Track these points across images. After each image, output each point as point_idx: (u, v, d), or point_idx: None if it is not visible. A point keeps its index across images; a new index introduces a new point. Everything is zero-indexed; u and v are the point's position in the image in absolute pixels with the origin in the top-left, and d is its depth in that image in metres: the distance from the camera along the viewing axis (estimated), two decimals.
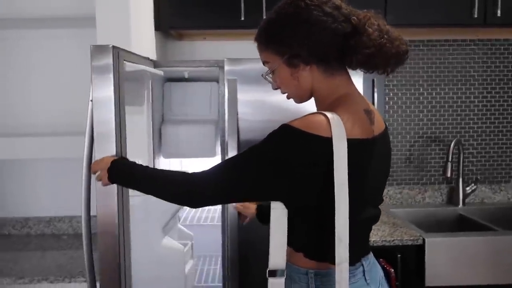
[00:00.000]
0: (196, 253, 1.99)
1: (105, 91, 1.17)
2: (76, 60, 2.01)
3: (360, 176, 0.89)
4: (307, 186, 0.88)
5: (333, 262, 0.88)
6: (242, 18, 1.89)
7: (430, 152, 2.36)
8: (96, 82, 1.16)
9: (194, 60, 2.10)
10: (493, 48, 2.33)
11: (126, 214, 1.29)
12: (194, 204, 1.05)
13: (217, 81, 1.71)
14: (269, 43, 0.95)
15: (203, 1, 1.92)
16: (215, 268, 2.18)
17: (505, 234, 1.81)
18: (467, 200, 2.30)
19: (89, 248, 1.28)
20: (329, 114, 0.87)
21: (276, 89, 1.02)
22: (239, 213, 1.35)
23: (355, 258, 0.92)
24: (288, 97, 1.02)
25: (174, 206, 1.54)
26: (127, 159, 1.17)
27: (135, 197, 1.36)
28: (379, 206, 1.03)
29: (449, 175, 2.16)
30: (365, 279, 0.96)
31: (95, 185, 1.27)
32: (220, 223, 1.79)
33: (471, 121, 2.35)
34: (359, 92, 0.99)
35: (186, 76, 1.91)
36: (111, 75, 1.15)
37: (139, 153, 1.77)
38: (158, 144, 2.03)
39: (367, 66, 0.92)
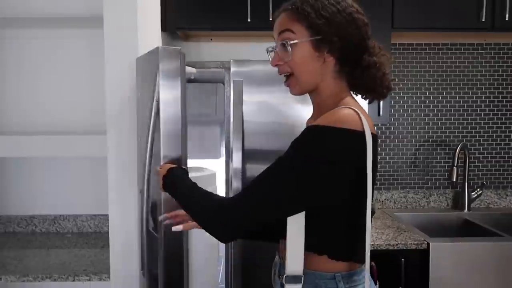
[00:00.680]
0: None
1: (172, 92, 1.18)
2: (84, 60, 2.03)
3: (375, 170, 0.92)
4: (342, 183, 0.87)
5: (358, 261, 0.90)
6: (249, 20, 1.90)
7: (436, 156, 2.34)
8: (164, 83, 1.16)
9: (200, 61, 2.11)
10: (500, 52, 2.31)
11: None
12: (225, 235, 0.92)
13: (223, 83, 1.72)
14: (307, 16, 0.89)
15: (210, 2, 1.92)
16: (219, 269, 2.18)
17: (511, 240, 1.79)
18: (472, 205, 2.28)
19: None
20: (354, 108, 0.88)
21: (276, 65, 0.95)
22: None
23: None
24: (287, 82, 0.96)
25: None
26: (183, 170, 1.09)
27: None
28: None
29: (454, 179, 2.15)
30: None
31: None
32: None
33: (478, 126, 2.34)
34: None
35: (192, 77, 1.92)
36: (179, 77, 1.17)
37: None
38: None
39: (366, 85, 0.95)
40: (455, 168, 2.14)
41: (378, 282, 1.04)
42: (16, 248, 1.87)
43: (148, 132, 1.18)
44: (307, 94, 0.99)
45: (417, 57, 2.31)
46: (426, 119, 2.33)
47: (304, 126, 0.94)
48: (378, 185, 2.33)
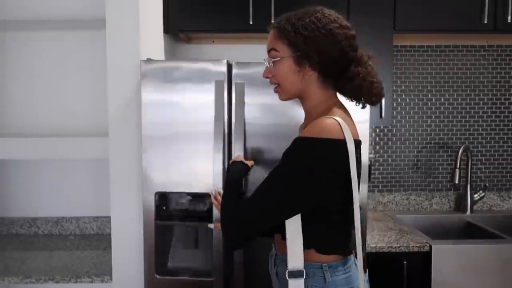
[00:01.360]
0: None
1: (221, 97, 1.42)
2: (86, 62, 2.04)
3: (359, 172, 1.02)
4: (331, 189, 0.97)
5: (343, 253, 1.03)
6: (251, 22, 1.90)
7: (438, 159, 2.34)
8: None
9: None
10: (503, 54, 2.31)
11: None
12: (233, 245, 1.07)
13: None
14: (287, 35, 0.99)
15: (212, 4, 1.93)
16: None
17: None
18: (475, 207, 2.27)
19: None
20: (336, 118, 0.96)
21: (267, 77, 1.06)
22: None
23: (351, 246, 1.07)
24: (275, 90, 1.07)
25: None
26: (244, 167, 1.19)
27: None
28: None
29: (457, 181, 2.14)
30: (356, 264, 1.07)
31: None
32: None
33: (480, 128, 2.33)
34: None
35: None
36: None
37: None
38: None
39: (354, 94, 1.04)
40: (457, 170, 2.13)
41: (367, 270, 1.13)
42: (18, 250, 1.88)
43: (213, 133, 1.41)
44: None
45: (419, 59, 2.31)
46: (429, 121, 2.33)
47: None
48: (380, 187, 2.33)
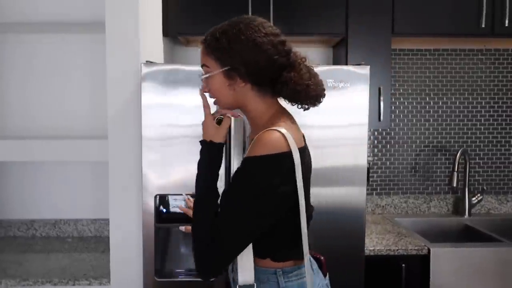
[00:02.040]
0: None
1: None
2: (85, 64, 2.04)
3: (306, 179, 1.03)
4: (285, 201, 0.98)
5: (297, 258, 1.03)
6: None
7: (436, 162, 2.35)
8: None
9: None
10: (500, 58, 2.32)
11: None
12: (205, 276, 1.00)
13: None
14: (214, 50, 0.99)
15: (211, 8, 1.93)
16: None
17: (511, 245, 1.79)
18: (473, 211, 2.28)
19: None
20: (281, 129, 0.96)
21: (204, 92, 1.05)
22: None
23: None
24: (215, 103, 1.07)
25: None
26: (220, 152, 1.05)
27: None
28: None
29: (455, 185, 2.15)
30: (312, 268, 1.08)
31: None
32: None
33: (478, 131, 2.34)
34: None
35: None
36: None
37: None
38: None
39: (291, 98, 1.03)
40: (455, 174, 2.14)
41: (328, 274, 1.15)
42: (16, 252, 1.87)
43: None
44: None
45: (418, 62, 2.32)
46: (427, 124, 2.34)
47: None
48: (378, 190, 2.33)
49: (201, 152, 1.04)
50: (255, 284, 1.01)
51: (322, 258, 1.15)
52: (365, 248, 1.66)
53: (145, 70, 1.46)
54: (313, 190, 1.48)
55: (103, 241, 2.01)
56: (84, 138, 1.86)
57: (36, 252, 1.87)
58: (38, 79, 2.05)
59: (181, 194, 1.47)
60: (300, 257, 1.03)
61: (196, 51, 2.24)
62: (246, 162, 0.96)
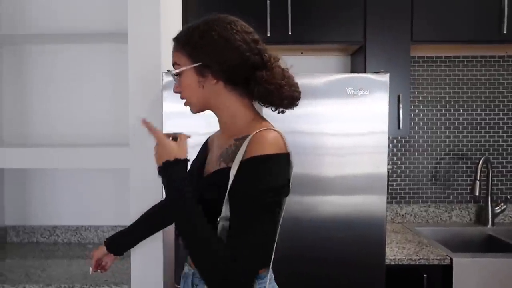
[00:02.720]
0: None
1: None
2: (107, 74, 2.09)
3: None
4: (283, 202, 0.96)
5: (268, 265, 1.00)
6: (268, 34, 1.93)
7: (457, 170, 2.31)
8: None
9: None
10: None
11: None
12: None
13: None
14: (185, 46, 0.97)
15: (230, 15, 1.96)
16: None
17: None
18: (496, 220, 2.23)
19: None
20: (277, 130, 0.95)
21: (177, 92, 1.02)
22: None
23: None
24: (185, 104, 1.03)
25: None
26: (185, 167, 0.96)
27: None
28: None
29: (477, 193, 2.11)
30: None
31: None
32: None
33: (500, 139, 2.30)
34: None
35: None
36: None
37: None
38: None
39: (264, 99, 0.98)
40: (477, 182, 2.10)
41: None
42: (39, 258, 1.91)
43: None
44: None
45: (437, 69, 2.30)
46: (447, 132, 2.30)
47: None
48: (398, 199, 2.30)
49: (167, 175, 0.92)
50: None
51: None
52: (386, 257, 1.65)
53: (166, 79, 1.48)
54: (332, 198, 1.48)
55: None
56: (104, 146, 1.89)
57: (58, 258, 1.91)
58: (60, 89, 2.11)
59: None
60: (270, 262, 0.99)
61: None
62: (250, 163, 0.88)
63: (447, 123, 2.31)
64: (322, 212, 1.47)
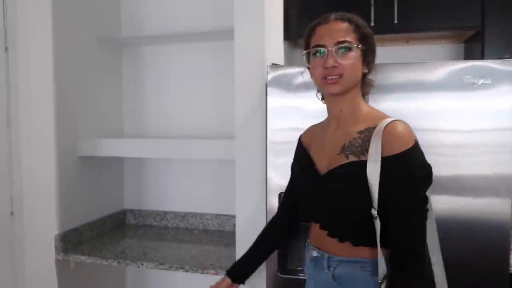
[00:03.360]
0: None
1: None
2: (212, 70, 2.21)
3: None
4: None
5: None
6: (372, 24, 1.85)
7: None
8: None
9: None
10: None
11: None
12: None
13: None
14: (356, 28, 1.05)
15: (332, 8, 1.92)
16: None
17: None
18: None
19: None
20: (397, 118, 1.03)
21: (333, 67, 1.04)
22: None
23: None
24: (334, 80, 1.04)
25: None
26: None
27: None
28: None
29: None
30: None
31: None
32: None
33: None
34: None
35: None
36: None
37: None
38: None
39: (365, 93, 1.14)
40: None
41: None
42: (153, 240, 2.10)
43: None
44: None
45: None
46: None
47: None
48: None
49: None
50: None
51: None
52: (510, 265, 1.49)
53: (271, 73, 1.51)
54: (445, 199, 1.37)
55: (225, 235, 2.14)
56: (209, 138, 2.01)
57: (168, 241, 2.08)
58: (171, 85, 2.29)
59: None
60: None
61: None
62: (402, 157, 0.96)
63: None
64: (435, 210, 1.38)
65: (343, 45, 1.03)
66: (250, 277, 1.39)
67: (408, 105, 1.39)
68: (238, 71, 1.63)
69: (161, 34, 2.19)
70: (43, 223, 1.82)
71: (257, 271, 1.41)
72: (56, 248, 1.86)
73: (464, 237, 1.35)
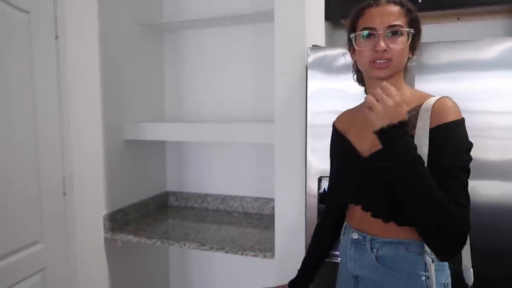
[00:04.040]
0: None
1: None
2: (250, 54, 2.20)
3: None
4: None
5: None
6: (419, 1, 1.77)
7: None
8: None
9: None
10: None
11: None
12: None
13: None
14: (407, 13, 1.03)
15: None
16: None
17: None
18: None
19: None
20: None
21: (384, 50, 1.01)
22: None
23: None
24: (385, 65, 1.02)
25: None
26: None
27: None
28: None
29: None
30: None
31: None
32: None
33: None
34: None
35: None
36: None
37: None
38: None
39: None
40: None
41: None
42: (194, 221, 2.16)
43: None
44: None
45: None
46: None
47: None
48: None
49: (392, 139, 0.93)
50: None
51: None
52: None
53: (312, 55, 1.49)
54: (495, 184, 1.31)
55: (263, 218, 2.17)
56: (248, 122, 2.01)
57: (209, 223, 2.13)
58: (210, 70, 2.30)
59: None
60: None
61: None
62: (450, 127, 0.96)
63: None
64: (484, 196, 1.32)
65: (395, 29, 1.00)
66: (286, 259, 1.38)
67: (456, 85, 1.32)
68: (278, 53, 1.61)
69: (201, 18, 2.20)
70: (92, 203, 1.92)
71: (296, 252, 1.41)
72: (104, 227, 1.96)
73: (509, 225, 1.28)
